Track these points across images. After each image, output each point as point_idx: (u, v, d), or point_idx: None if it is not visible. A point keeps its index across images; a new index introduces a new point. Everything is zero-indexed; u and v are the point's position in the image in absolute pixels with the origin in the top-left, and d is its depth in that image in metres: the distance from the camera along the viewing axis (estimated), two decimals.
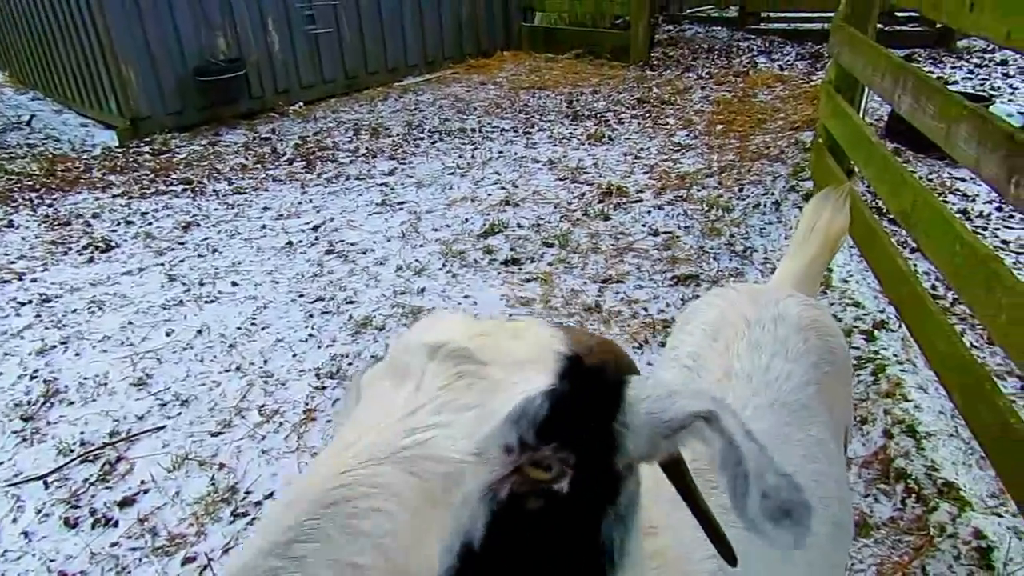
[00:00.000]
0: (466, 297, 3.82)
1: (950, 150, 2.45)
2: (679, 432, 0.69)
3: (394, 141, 6.47)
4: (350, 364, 3.31)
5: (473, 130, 6.65)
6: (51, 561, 2.40)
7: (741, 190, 4.97)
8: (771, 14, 10.25)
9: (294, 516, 0.53)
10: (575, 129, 6.52)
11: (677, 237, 4.36)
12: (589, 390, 0.67)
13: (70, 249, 4.62)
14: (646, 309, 3.61)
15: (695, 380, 1.34)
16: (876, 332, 3.24)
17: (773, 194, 4.82)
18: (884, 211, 4.29)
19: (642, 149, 5.91)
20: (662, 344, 3.30)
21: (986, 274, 2.18)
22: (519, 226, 4.60)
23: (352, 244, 4.49)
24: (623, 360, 0.75)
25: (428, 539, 0.56)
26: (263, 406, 3.07)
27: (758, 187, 4.98)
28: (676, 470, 0.79)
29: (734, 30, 10.23)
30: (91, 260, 4.46)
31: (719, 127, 6.32)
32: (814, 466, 1.27)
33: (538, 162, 5.74)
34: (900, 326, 3.27)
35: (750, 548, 0.83)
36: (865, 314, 3.37)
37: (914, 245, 3.94)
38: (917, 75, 2.80)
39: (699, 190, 5.01)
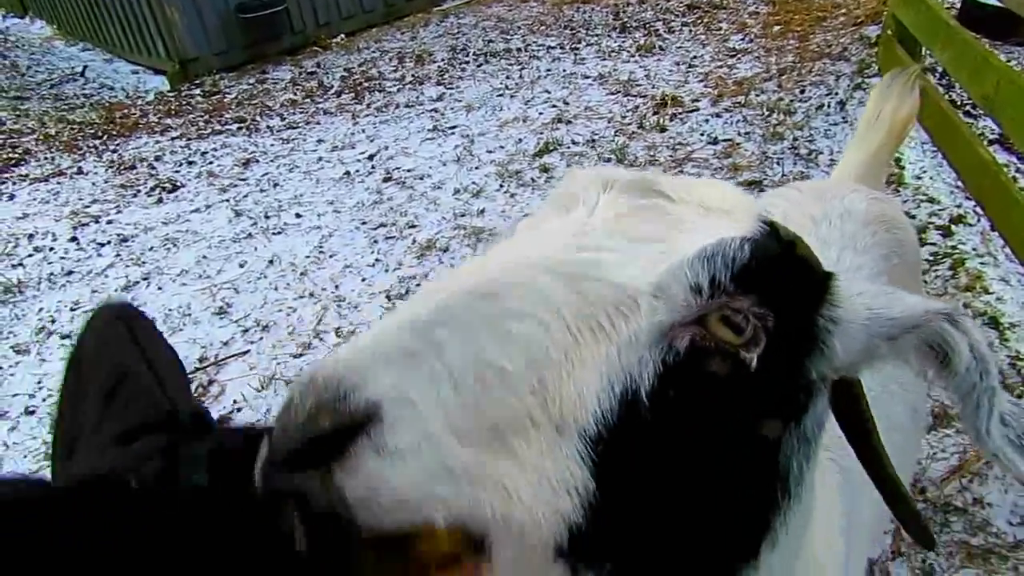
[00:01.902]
0: (527, 216, 3.82)
1: None
2: (908, 334, 0.57)
3: (439, 67, 6.39)
4: (418, 285, 3.38)
5: (519, 50, 6.50)
6: None
7: (803, 92, 4.77)
8: None
9: (441, 300, 0.45)
10: (624, 41, 6.31)
11: (737, 144, 4.24)
12: (792, 267, 0.56)
13: (139, 191, 4.77)
14: None
15: None
16: (953, 227, 3.14)
17: (837, 94, 4.62)
18: (959, 103, 4.07)
19: (695, 57, 5.69)
20: None
21: None
22: (574, 143, 4.54)
23: (408, 171, 4.51)
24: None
25: (584, 372, 0.46)
26: (339, 328, 3.17)
27: (821, 88, 4.77)
28: (851, 398, 0.65)
29: None
30: (160, 200, 4.61)
31: (775, 28, 6.02)
32: None
33: (588, 77, 5.60)
34: (979, 220, 3.16)
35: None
36: (941, 209, 3.26)
37: (992, 137, 3.76)
38: None
39: (758, 95, 4.83)
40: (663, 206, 0.55)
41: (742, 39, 5.93)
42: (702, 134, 4.42)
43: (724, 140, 4.31)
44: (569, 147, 4.48)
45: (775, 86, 4.93)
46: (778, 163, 3.97)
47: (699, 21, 6.55)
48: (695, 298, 0.49)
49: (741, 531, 0.57)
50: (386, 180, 4.44)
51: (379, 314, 3.22)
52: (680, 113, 4.75)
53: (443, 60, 6.54)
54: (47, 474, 2.60)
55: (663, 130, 4.55)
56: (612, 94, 5.22)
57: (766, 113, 4.54)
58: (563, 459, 0.45)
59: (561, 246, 0.50)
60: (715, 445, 0.51)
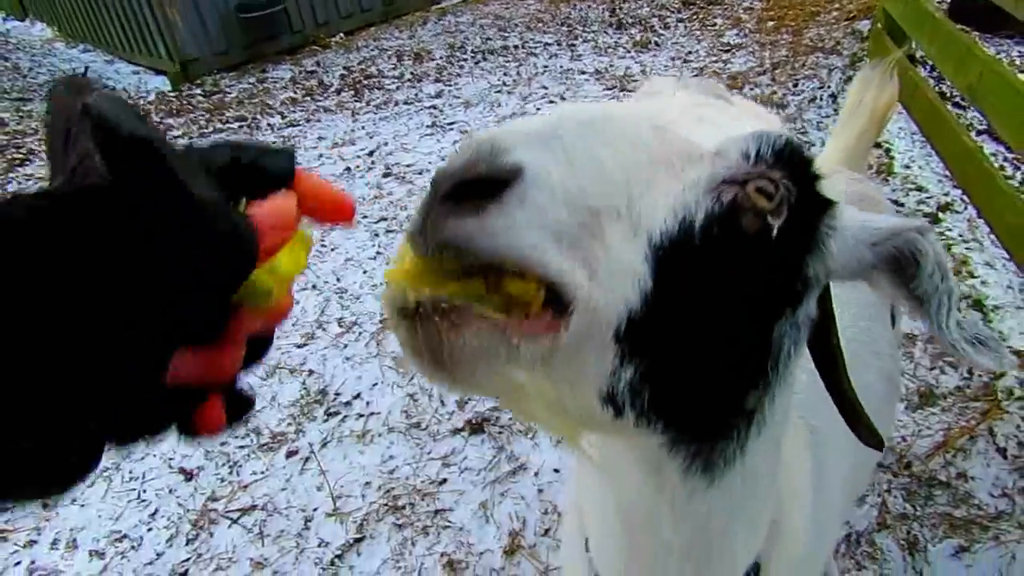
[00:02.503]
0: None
1: None
2: (888, 241, 0.69)
3: (438, 64, 6.46)
4: None
5: (516, 47, 6.57)
6: (171, 460, 2.66)
7: (796, 85, 4.84)
8: None
9: (572, 112, 0.55)
10: (620, 37, 6.39)
11: None
12: (810, 172, 0.66)
13: None
14: None
15: None
16: (940, 214, 3.21)
17: (830, 87, 4.69)
18: (948, 95, 4.15)
19: (690, 52, 5.77)
20: None
21: None
22: None
23: (408, 166, 4.58)
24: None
25: (658, 194, 0.56)
26: (341, 318, 3.25)
27: (813, 81, 4.85)
28: (824, 329, 0.77)
29: None
30: None
31: (770, 23, 6.10)
32: (865, 323, 1.34)
33: (584, 73, 5.68)
34: (965, 208, 3.23)
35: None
36: (929, 197, 3.34)
37: (980, 127, 3.83)
38: None
39: (751, 89, 4.90)
40: (727, 105, 0.71)
41: (736, 34, 6.01)
42: None
43: None
44: None
45: (769, 80, 5.01)
46: None
47: (694, 17, 6.62)
48: (745, 163, 0.60)
49: (740, 375, 0.68)
50: (386, 175, 4.51)
51: (379, 305, 3.28)
52: None
53: (441, 58, 6.62)
54: None
55: None
56: (609, 89, 5.29)
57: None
58: (635, 254, 0.55)
59: (654, 108, 0.66)
60: (735, 288, 0.62)
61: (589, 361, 0.57)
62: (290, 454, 2.60)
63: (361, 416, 2.72)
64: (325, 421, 2.72)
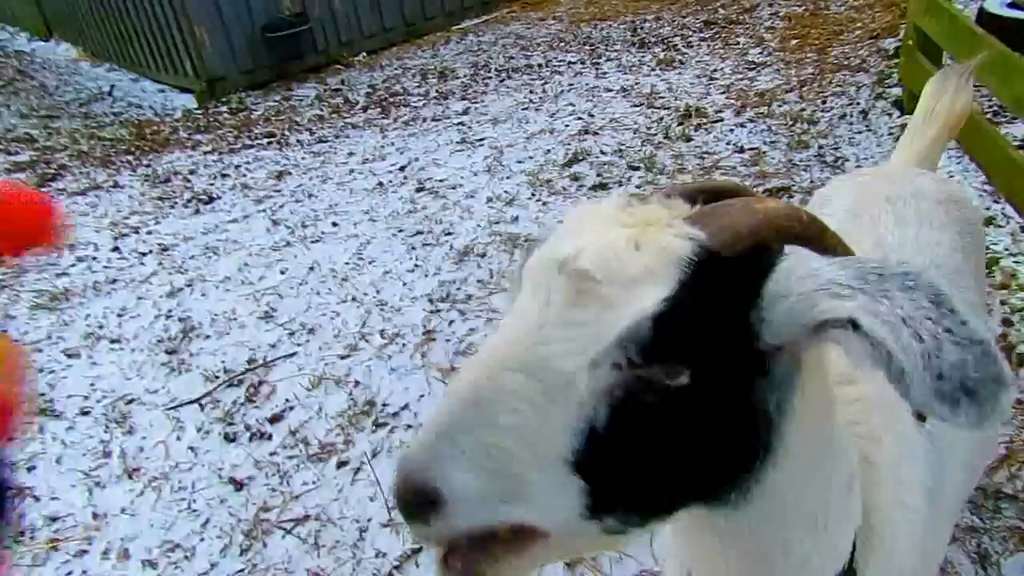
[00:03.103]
0: (560, 223, 3.90)
1: None
2: (819, 335, 0.67)
3: (463, 82, 6.52)
4: (458, 289, 3.46)
5: (540, 65, 6.63)
6: (219, 469, 2.65)
7: (824, 102, 4.86)
8: None
9: (448, 413, 0.69)
10: (643, 56, 6.44)
11: (763, 152, 4.33)
12: (716, 289, 0.67)
13: (175, 203, 4.88)
14: None
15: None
16: (985, 229, 3.20)
17: (859, 103, 4.71)
18: (982, 110, 4.15)
19: (715, 70, 5.81)
20: None
21: None
22: (602, 152, 4.63)
23: (440, 181, 4.61)
24: (790, 230, 0.72)
25: (554, 427, 0.67)
26: (383, 330, 3.25)
27: (842, 98, 4.87)
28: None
29: None
30: (197, 211, 4.71)
31: (793, 42, 6.14)
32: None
33: (611, 91, 5.72)
34: (1008, 221, 3.23)
35: None
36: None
37: (1017, 142, 3.84)
38: None
39: (780, 106, 4.92)
40: (594, 290, 0.68)
41: (760, 52, 6.05)
42: (728, 143, 4.51)
43: (750, 149, 4.39)
44: (598, 156, 4.58)
45: (796, 97, 5.03)
46: (805, 170, 4.05)
47: (717, 36, 6.68)
48: (618, 370, 0.66)
49: (723, 462, 0.75)
50: (419, 190, 4.53)
51: (420, 317, 3.29)
52: (704, 123, 4.84)
53: (466, 76, 6.68)
54: (102, 474, 2.68)
55: (688, 140, 4.64)
56: (636, 106, 5.32)
57: (789, 123, 4.64)
58: (560, 482, 0.68)
59: (528, 344, 0.70)
60: (677, 424, 0.70)
61: (580, 541, 0.76)
62: (341, 464, 2.59)
63: (410, 427, 2.71)
64: (374, 432, 2.71)
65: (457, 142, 5.18)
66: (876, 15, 6.42)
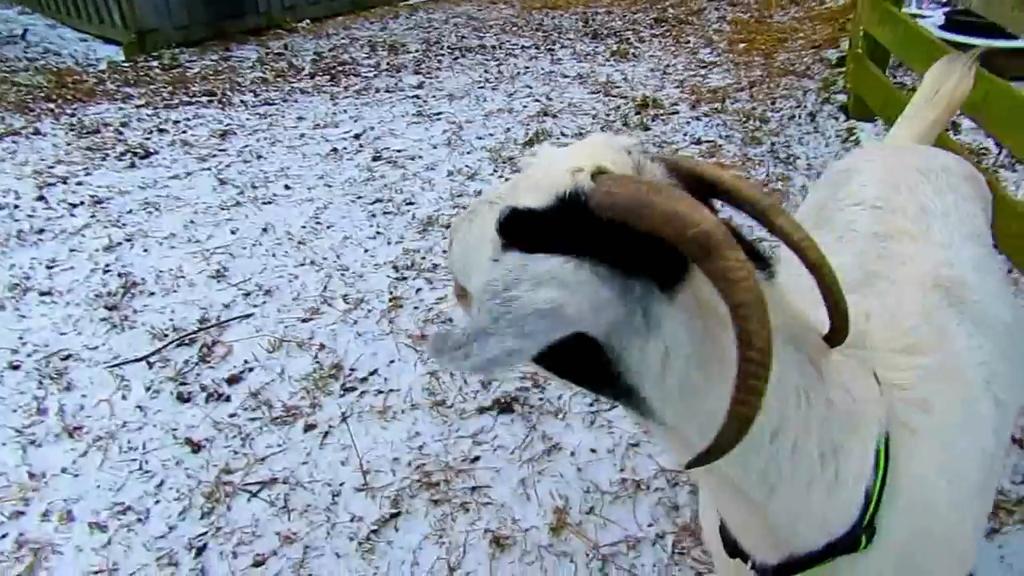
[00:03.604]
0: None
1: None
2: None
3: (415, 57, 6.38)
4: (422, 258, 3.37)
5: (494, 47, 6.58)
6: (173, 430, 2.48)
7: (774, 103, 5.04)
8: None
9: (467, 209, 1.02)
10: (597, 47, 6.49)
11: (719, 145, 4.44)
12: (560, 228, 0.82)
13: (107, 155, 4.54)
14: None
15: (886, 220, 1.40)
16: None
17: (806, 107, 4.91)
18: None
19: (669, 66, 5.92)
20: None
21: None
22: (563, 135, 4.63)
23: (398, 151, 4.49)
24: (678, 240, 0.77)
25: (486, 245, 0.89)
26: (346, 295, 3.13)
27: (790, 100, 5.06)
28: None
29: None
30: (132, 165, 4.41)
31: (741, 46, 6.34)
32: (1010, 290, 1.38)
33: (567, 76, 5.73)
34: None
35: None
36: None
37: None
38: None
39: (733, 103, 5.07)
40: (521, 176, 0.91)
41: (710, 52, 6.21)
42: (685, 134, 4.60)
43: (707, 141, 4.50)
44: (559, 138, 4.57)
45: (747, 96, 5.19)
46: (760, 164, 4.18)
47: (667, 34, 6.81)
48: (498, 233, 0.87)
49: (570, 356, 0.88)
50: (376, 159, 4.40)
51: (386, 284, 3.19)
52: (661, 115, 4.92)
53: (417, 51, 6.54)
54: (38, 431, 2.46)
55: (647, 129, 4.70)
56: (593, 93, 5.36)
57: (743, 119, 4.77)
58: (481, 279, 0.86)
59: (497, 193, 0.96)
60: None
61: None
62: (308, 428, 2.47)
63: (380, 392, 2.61)
64: (342, 396, 2.60)
65: (413, 114, 5.06)
66: (817, 27, 6.71)
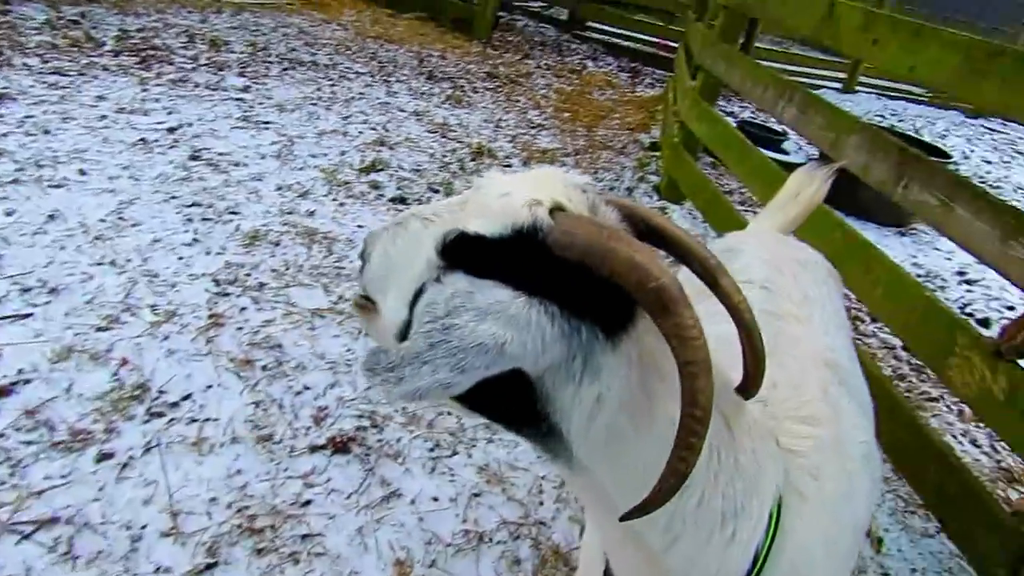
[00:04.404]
0: (360, 226, 3.72)
1: (838, 156, 2.99)
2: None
3: (240, 59, 5.93)
4: (247, 274, 3.07)
5: (327, 66, 6.34)
6: None
7: (596, 173, 5.40)
8: (596, 24, 11.02)
9: (392, 219, 0.99)
10: (433, 88, 6.53)
11: None
12: (511, 261, 0.82)
13: None
14: None
15: (775, 301, 1.52)
16: None
17: (624, 182, 5.32)
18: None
19: (501, 120, 6.11)
20: None
21: (864, 257, 2.72)
22: (400, 167, 4.54)
23: (220, 154, 4.09)
24: (629, 283, 0.78)
25: (413, 267, 0.90)
26: (155, 306, 2.74)
27: (610, 173, 5.45)
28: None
29: (561, 31, 10.88)
30: None
31: (566, 114, 6.75)
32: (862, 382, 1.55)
33: (403, 111, 5.67)
34: None
35: None
36: None
37: None
38: (803, 91, 3.35)
39: (560, 166, 5.33)
40: (467, 204, 0.90)
41: (539, 115, 6.53)
42: None
43: None
44: (396, 170, 4.48)
45: (573, 163, 5.51)
46: None
47: (499, 89, 7.06)
48: (436, 256, 0.87)
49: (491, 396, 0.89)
50: (194, 159, 3.97)
51: (204, 298, 2.84)
52: (495, 164, 5.04)
53: (242, 53, 6.10)
54: None
55: (483, 176, 4.77)
56: (431, 132, 5.35)
57: None
58: (398, 301, 0.91)
59: (440, 204, 0.97)
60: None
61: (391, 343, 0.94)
62: (102, 457, 2.08)
63: (195, 421, 2.29)
64: (147, 422, 2.23)
65: (238, 118, 4.67)
66: (629, 111, 7.37)
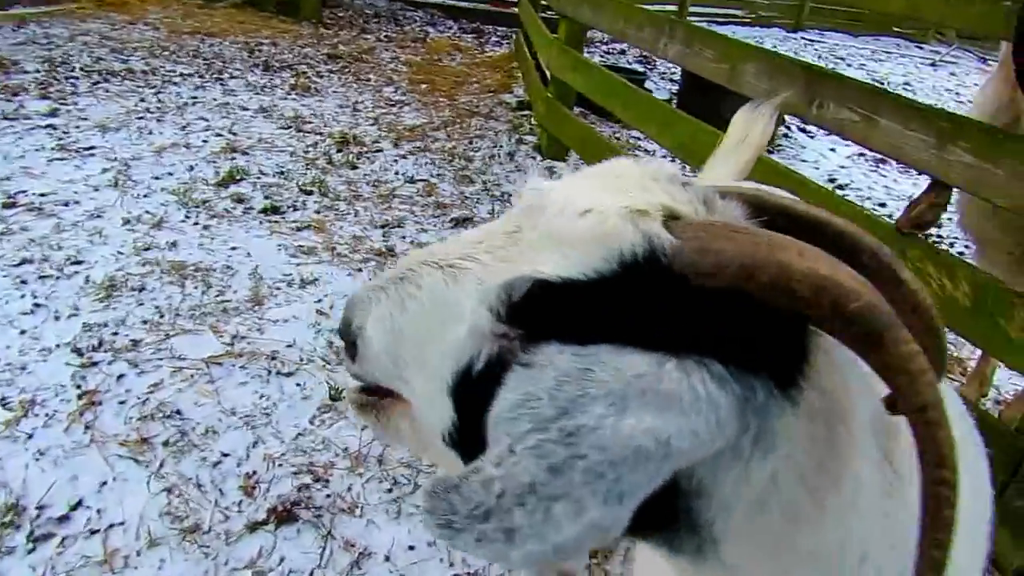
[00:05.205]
0: (234, 249, 3.24)
1: (736, 87, 2.88)
2: None
3: (37, 79, 5.08)
4: (114, 333, 2.56)
5: (145, 72, 5.58)
6: None
7: (471, 143, 5.11)
8: None
9: (384, 277, 0.72)
10: (273, 79, 5.93)
11: (434, 184, 4.31)
12: (635, 304, 0.56)
13: None
14: None
15: None
16: None
17: (503, 146, 5.07)
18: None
19: (357, 102, 5.66)
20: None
21: (784, 185, 2.64)
22: (262, 173, 4.05)
23: (42, 195, 3.43)
24: (822, 308, 0.52)
25: (443, 340, 0.64)
26: (4, 399, 2.20)
27: (486, 140, 5.18)
28: None
29: (391, 1, 10.34)
30: None
31: (423, 86, 6.37)
32: None
33: (247, 109, 5.09)
34: None
35: None
36: None
37: None
38: (686, 24, 3.22)
39: (433, 142, 5.01)
40: (526, 231, 0.64)
41: (395, 91, 6.12)
42: (396, 173, 4.38)
43: (420, 180, 4.33)
44: (259, 177, 3.98)
45: (445, 135, 5.19)
46: (478, 203, 4.15)
47: (346, 70, 6.56)
48: (491, 317, 0.61)
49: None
50: (8, 206, 3.30)
51: (68, 375, 2.33)
52: (366, 152, 4.63)
53: (39, 72, 5.22)
54: None
55: (354, 167, 4.37)
56: (284, 128, 4.83)
57: (448, 158, 4.73)
58: (433, 394, 0.66)
59: (461, 251, 0.67)
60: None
61: (438, 455, 0.72)
62: None
63: (94, 532, 1.84)
64: (32, 551, 1.77)
65: (53, 148, 3.96)
66: (486, 73, 7.09)
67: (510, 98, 6.18)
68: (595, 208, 0.58)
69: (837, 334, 0.53)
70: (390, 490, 2.11)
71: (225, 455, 2.13)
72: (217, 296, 2.87)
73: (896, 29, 13.89)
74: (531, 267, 0.59)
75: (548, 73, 4.93)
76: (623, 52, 8.98)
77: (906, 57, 11.93)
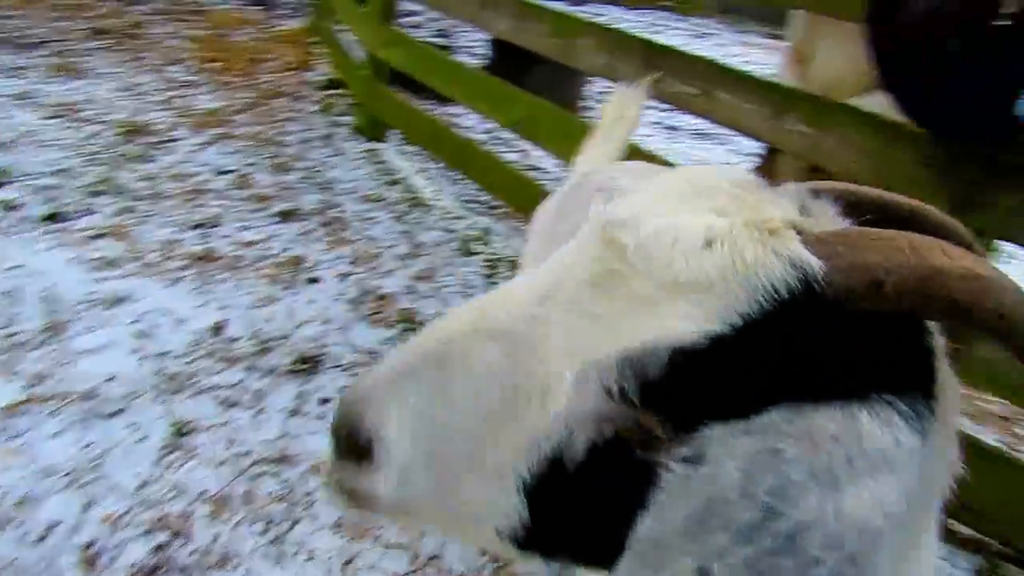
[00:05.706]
0: (11, 269, 2.69)
1: (571, 61, 2.87)
2: None
3: None
4: None
5: None
6: None
7: (281, 126, 4.70)
8: None
9: (407, 361, 0.57)
10: (28, 60, 5.02)
11: (247, 175, 3.90)
12: (804, 347, 0.46)
13: None
14: (270, 249, 3.19)
15: None
16: (486, 235, 3.61)
17: (317, 130, 4.73)
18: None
19: (139, 84, 4.96)
20: (312, 281, 3.00)
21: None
22: (34, 173, 3.40)
23: None
24: (970, 309, 0.46)
25: (514, 431, 0.53)
26: None
27: (297, 123, 4.80)
28: None
29: None
30: None
31: (214, 64, 5.75)
32: None
33: (2, 96, 4.27)
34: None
35: None
36: (472, 223, 3.71)
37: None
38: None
39: (237, 127, 4.54)
40: (628, 279, 0.50)
41: (183, 71, 5.47)
42: (203, 164, 3.91)
43: (231, 171, 3.90)
44: (31, 178, 3.34)
45: (250, 119, 4.73)
46: (303, 193, 3.83)
47: (119, 47, 5.75)
48: (608, 397, 0.49)
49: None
50: None
51: None
52: (162, 143, 4.08)
53: None
54: None
55: (151, 160, 3.83)
56: (54, 118, 4.11)
57: (258, 145, 4.31)
58: (497, 498, 0.54)
59: (522, 313, 0.54)
60: (619, 490, 0.53)
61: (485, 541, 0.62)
62: None
63: None
64: None
65: None
66: (284, 50, 6.56)
67: (315, 76, 5.77)
68: (717, 235, 0.47)
69: (1009, 345, 0.47)
70: (265, 531, 1.86)
71: (53, 525, 1.75)
72: (3, 329, 2.36)
73: (662, 2, 14.99)
74: (655, 327, 0.46)
75: (365, 50, 4.64)
76: (418, 26, 8.77)
77: (675, 29, 12.94)
